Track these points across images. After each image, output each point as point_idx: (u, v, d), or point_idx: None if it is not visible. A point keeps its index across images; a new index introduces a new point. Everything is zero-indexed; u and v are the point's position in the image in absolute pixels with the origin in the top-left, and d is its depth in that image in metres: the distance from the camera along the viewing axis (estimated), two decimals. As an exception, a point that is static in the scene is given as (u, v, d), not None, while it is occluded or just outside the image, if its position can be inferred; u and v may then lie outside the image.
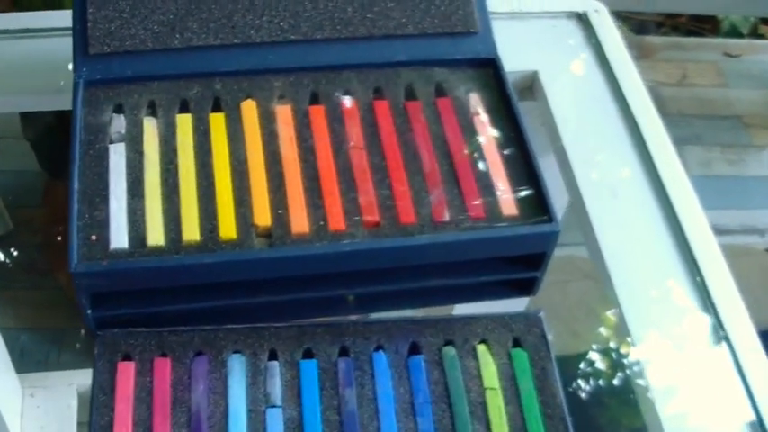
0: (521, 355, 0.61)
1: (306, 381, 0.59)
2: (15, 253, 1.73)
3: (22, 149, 1.60)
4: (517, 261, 0.64)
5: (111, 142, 0.63)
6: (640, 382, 0.68)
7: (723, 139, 1.95)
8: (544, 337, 0.62)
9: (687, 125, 1.93)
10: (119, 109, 0.65)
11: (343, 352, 0.61)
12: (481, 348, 0.61)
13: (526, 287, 0.66)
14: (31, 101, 0.84)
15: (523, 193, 0.63)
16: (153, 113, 0.65)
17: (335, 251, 0.59)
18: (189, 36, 0.67)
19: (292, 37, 0.68)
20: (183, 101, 0.66)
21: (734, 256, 0.75)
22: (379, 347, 0.61)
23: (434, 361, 0.60)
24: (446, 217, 0.61)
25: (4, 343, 0.79)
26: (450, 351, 0.61)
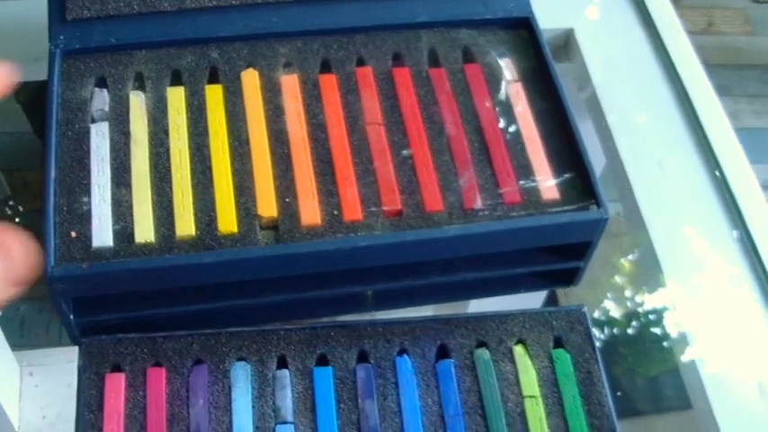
0: (563, 357, 0.54)
1: (320, 392, 0.52)
2: (13, 218, 1.67)
3: (16, 111, 1.53)
4: (558, 250, 0.56)
5: (93, 121, 0.56)
6: (679, 335, 0.62)
7: (750, 89, 1.87)
8: (589, 335, 0.55)
9: (712, 75, 1.85)
10: (101, 82, 0.57)
11: (363, 357, 0.54)
12: (518, 350, 0.55)
13: (567, 277, 0.58)
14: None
15: (566, 175, 0.55)
16: (140, 87, 0.58)
17: (352, 246, 0.51)
18: (180, -3, 0.59)
19: (298, -5, 0.60)
20: (174, 72, 0.58)
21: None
22: (402, 351, 0.54)
23: (466, 366, 0.54)
24: (478, 203, 0.54)
25: (1, 318, 0.74)
26: (483, 354, 0.54)
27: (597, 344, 0.55)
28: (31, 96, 1.38)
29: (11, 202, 1.67)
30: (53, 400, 0.83)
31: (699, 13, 1.98)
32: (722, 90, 1.83)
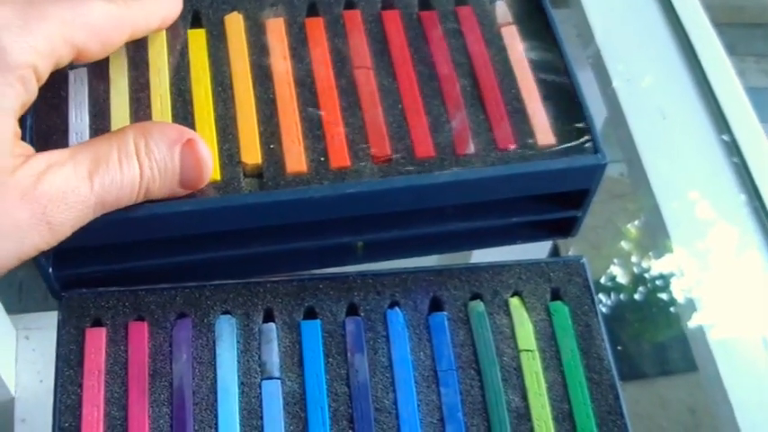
0: (561, 310, 0.53)
1: (308, 346, 0.50)
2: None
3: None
4: (555, 198, 0.54)
5: (71, 67, 0.53)
6: (686, 297, 0.60)
7: (757, 48, 1.84)
8: (588, 287, 0.53)
9: (718, 34, 1.82)
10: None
11: (352, 310, 0.52)
12: (514, 302, 0.53)
13: (565, 228, 0.56)
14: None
15: (562, 119, 0.53)
16: (120, 31, 0.55)
17: (339, 193, 0.49)
18: (161, -62, 0.56)
19: (284, -64, 0.58)
20: (155, 16, 0.56)
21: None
22: (393, 304, 0.52)
23: (459, 319, 0.52)
24: (470, 148, 0.51)
25: (-1, 282, 0.72)
26: (477, 306, 0.52)
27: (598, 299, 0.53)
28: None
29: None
30: (49, 363, 0.81)
31: (704, -30, 1.95)
32: (729, 49, 1.80)
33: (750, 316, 0.60)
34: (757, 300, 0.61)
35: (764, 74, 1.78)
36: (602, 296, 1.46)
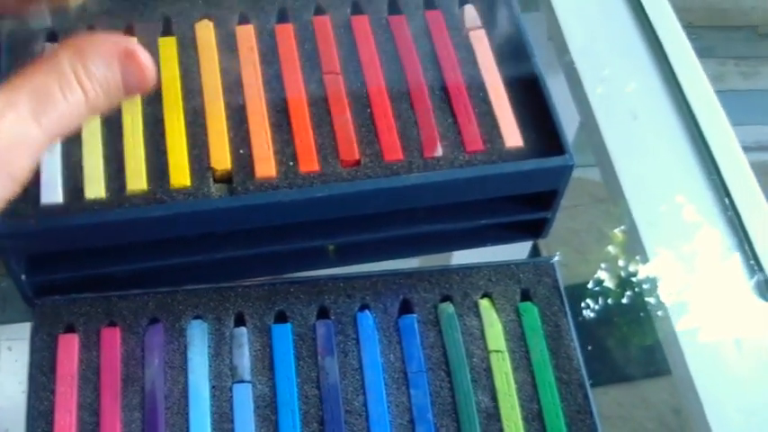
0: (530, 311, 0.53)
1: (279, 350, 0.51)
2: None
3: None
4: (524, 200, 0.55)
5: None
6: (660, 300, 0.62)
7: (737, 50, 1.85)
8: (558, 288, 0.54)
9: (698, 37, 1.82)
10: (52, 36, 0.55)
11: (323, 313, 0.52)
12: (484, 304, 0.53)
13: (535, 229, 0.57)
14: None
15: (529, 122, 0.53)
16: (91, 39, 0.55)
17: (307, 197, 0.50)
18: (131, -54, 0.57)
19: (254, -57, 0.58)
20: (127, 25, 0.56)
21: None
22: (364, 307, 0.53)
23: (429, 321, 0.52)
24: (438, 151, 0.52)
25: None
26: (447, 308, 0.52)
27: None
28: None
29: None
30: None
31: (684, -27, 1.95)
32: (708, 52, 1.81)
33: (722, 318, 0.60)
34: (729, 301, 0.61)
35: (744, 76, 1.79)
36: (589, 301, 1.47)
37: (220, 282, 0.52)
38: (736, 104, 1.77)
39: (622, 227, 0.68)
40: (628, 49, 0.71)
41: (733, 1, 1.92)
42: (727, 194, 0.64)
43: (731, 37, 1.86)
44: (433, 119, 0.53)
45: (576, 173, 0.61)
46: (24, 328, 1.03)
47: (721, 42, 1.84)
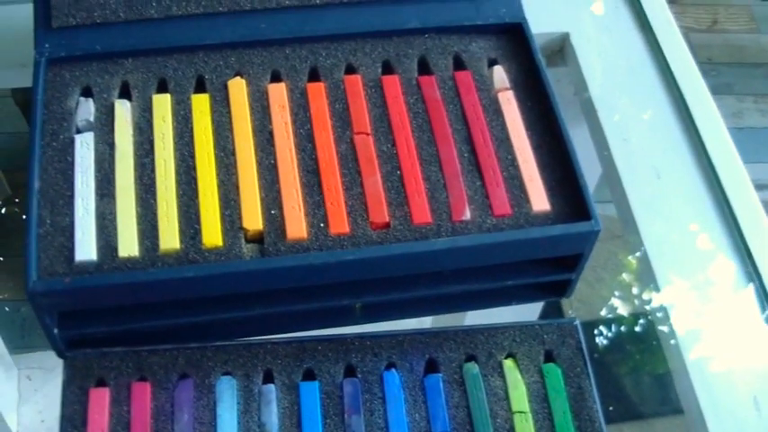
0: (554, 372, 0.54)
1: (306, 407, 0.52)
2: (14, 220, 1.67)
3: (16, 111, 1.53)
4: (550, 262, 0.55)
5: (78, 132, 0.55)
6: (681, 337, 0.62)
7: (756, 88, 1.85)
8: (581, 349, 0.55)
9: (718, 74, 1.84)
10: (87, 92, 0.56)
11: (350, 372, 0.53)
12: (508, 364, 0.54)
13: (560, 289, 0.57)
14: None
15: (557, 185, 0.54)
16: (126, 96, 0.57)
17: (338, 260, 0.50)
18: (167, 4, 0.58)
19: (287, 2, 0.59)
20: (160, 80, 0.57)
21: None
22: (390, 366, 0.53)
23: (455, 380, 0.53)
24: (467, 215, 0.53)
25: (3, 321, 0.73)
26: (472, 368, 0.53)
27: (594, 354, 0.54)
28: (30, 99, 1.37)
29: (17, 200, 1.66)
30: (51, 403, 0.81)
31: (703, 10, 1.96)
32: (727, 88, 1.82)
33: (737, 361, 0.61)
34: (745, 345, 0.61)
35: (762, 113, 1.80)
36: (607, 331, 1.47)
37: (249, 338, 0.53)
38: (755, 141, 1.78)
39: (634, 261, 0.69)
40: (651, 102, 0.72)
41: (752, 38, 1.93)
42: (749, 253, 0.65)
43: (750, 74, 1.86)
44: (461, 182, 0.54)
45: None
46: (44, 357, 1.03)
47: (740, 79, 1.84)
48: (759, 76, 1.86)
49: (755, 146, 1.73)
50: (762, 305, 0.63)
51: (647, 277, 0.65)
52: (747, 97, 1.82)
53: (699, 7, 1.97)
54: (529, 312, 0.76)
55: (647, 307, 0.66)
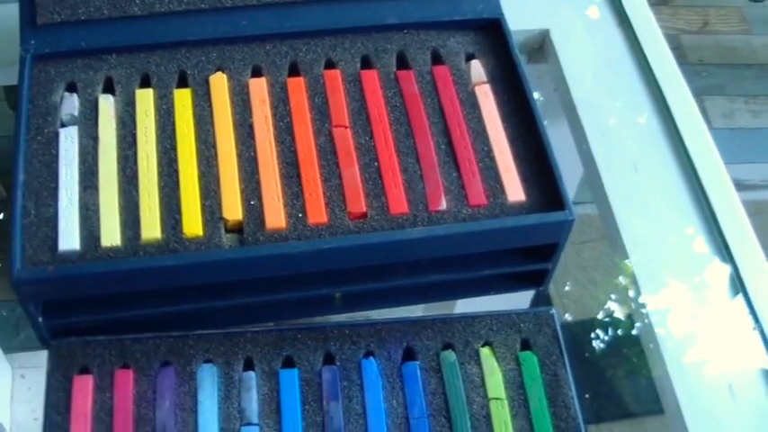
0: (530, 360, 0.55)
1: (286, 394, 0.53)
2: (9, 222, 1.67)
3: (10, 113, 1.53)
4: (526, 252, 0.56)
5: (62, 125, 0.56)
6: (659, 333, 0.63)
7: (747, 89, 1.85)
8: (557, 337, 0.56)
9: (709, 75, 1.84)
10: (71, 87, 0.58)
11: (329, 359, 0.54)
12: (485, 352, 0.55)
13: (536, 279, 0.58)
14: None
15: (532, 176, 0.55)
16: (110, 91, 0.58)
17: (316, 248, 0.51)
18: (150, 1, 0.59)
19: (268, -1, 0.60)
20: (143, 76, 0.59)
21: (758, 213, 0.68)
22: (368, 353, 0.54)
23: (432, 368, 0.54)
24: (443, 205, 0.54)
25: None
26: (449, 356, 0.54)
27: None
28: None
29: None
30: (43, 401, 0.82)
31: (694, 11, 1.97)
32: (718, 89, 1.82)
33: (714, 356, 0.61)
34: (722, 340, 0.62)
35: (753, 114, 1.80)
36: (599, 332, 1.48)
37: (230, 327, 0.54)
38: (746, 142, 1.78)
39: (628, 268, 0.70)
40: (631, 99, 0.73)
41: (743, 39, 1.94)
42: (727, 249, 0.66)
43: (741, 75, 1.87)
44: (438, 173, 0.55)
45: (583, 209, 0.63)
46: (38, 356, 1.04)
47: (731, 80, 1.85)
48: (750, 77, 1.87)
49: (747, 146, 1.74)
50: (735, 292, 0.63)
51: (628, 278, 0.66)
52: (738, 98, 1.82)
53: (690, 9, 1.97)
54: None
55: (635, 306, 0.67)
